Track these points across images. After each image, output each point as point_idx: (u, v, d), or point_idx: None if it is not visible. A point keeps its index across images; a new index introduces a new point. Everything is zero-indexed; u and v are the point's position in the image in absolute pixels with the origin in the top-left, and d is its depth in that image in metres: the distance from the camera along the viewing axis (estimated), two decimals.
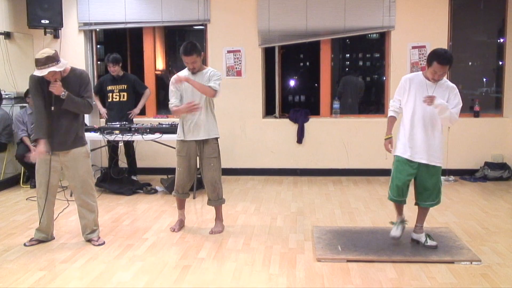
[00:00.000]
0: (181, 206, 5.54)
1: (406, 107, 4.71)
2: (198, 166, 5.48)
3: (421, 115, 4.60)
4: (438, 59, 4.44)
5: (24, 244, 4.95)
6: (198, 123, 5.18)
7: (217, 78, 5.15)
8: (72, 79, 4.78)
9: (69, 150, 4.83)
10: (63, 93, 4.63)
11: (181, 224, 5.51)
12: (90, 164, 5.05)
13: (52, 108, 4.73)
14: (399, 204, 4.84)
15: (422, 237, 4.78)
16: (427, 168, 4.64)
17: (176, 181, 5.38)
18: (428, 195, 4.72)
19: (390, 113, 4.88)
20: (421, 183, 4.70)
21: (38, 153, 4.70)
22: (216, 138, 5.30)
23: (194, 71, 5.17)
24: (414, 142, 4.63)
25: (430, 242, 4.71)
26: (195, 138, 5.21)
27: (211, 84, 5.08)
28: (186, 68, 5.23)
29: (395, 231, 4.82)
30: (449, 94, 4.58)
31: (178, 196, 5.45)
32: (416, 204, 4.84)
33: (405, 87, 4.70)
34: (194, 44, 5.10)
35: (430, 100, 4.43)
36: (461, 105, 4.60)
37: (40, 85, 4.73)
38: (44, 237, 5.03)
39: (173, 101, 5.21)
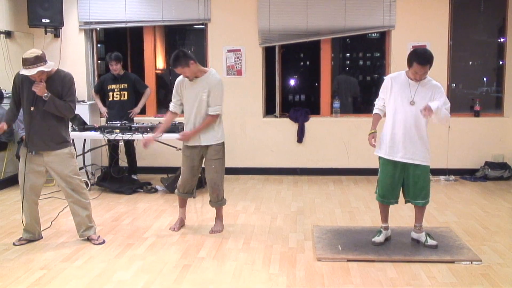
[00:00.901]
0: (182, 204, 5.54)
1: (389, 106, 4.72)
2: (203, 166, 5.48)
3: (403, 115, 4.61)
4: (417, 60, 4.44)
5: (13, 244, 4.95)
6: (196, 125, 5.17)
7: (218, 94, 5.09)
8: (56, 80, 4.76)
9: (51, 151, 4.80)
10: (45, 94, 4.61)
11: (181, 223, 5.51)
12: (76, 164, 5.00)
13: (32, 108, 4.71)
14: (385, 205, 4.86)
15: (422, 237, 4.78)
16: (412, 167, 4.64)
17: (179, 179, 5.39)
18: (416, 194, 4.71)
19: (374, 111, 4.90)
20: (408, 182, 4.71)
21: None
22: (221, 143, 5.27)
23: (190, 79, 5.10)
24: (396, 142, 4.65)
25: (430, 242, 4.71)
26: (196, 144, 5.21)
27: (210, 112, 5.09)
28: None
29: (377, 237, 4.85)
30: (433, 94, 4.56)
31: (179, 195, 5.45)
32: (406, 202, 4.85)
33: (388, 87, 4.71)
34: (178, 55, 4.97)
35: (428, 111, 4.39)
36: (449, 104, 4.61)
37: (23, 84, 4.74)
38: (31, 236, 5.03)
39: (172, 104, 5.30)
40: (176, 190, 5.47)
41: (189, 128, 5.19)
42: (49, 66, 4.61)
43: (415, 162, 4.62)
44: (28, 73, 4.49)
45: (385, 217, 4.91)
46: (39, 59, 4.51)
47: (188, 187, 5.39)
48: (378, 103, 4.88)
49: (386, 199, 4.80)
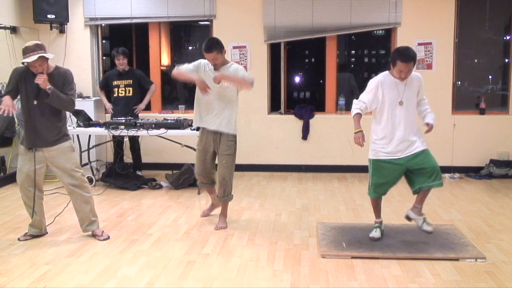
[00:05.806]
0: (209, 192, 5.69)
1: (383, 111, 4.67)
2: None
3: (394, 116, 4.63)
4: (401, 58, 4.46)
5: (18, 239, 4.97)
6: (212, 110, 5.25)
7: (244, 71, 5.27)
8: (56, 76, 4.76)
9: (52, 146, 4.80)
10: (48, 87, 4.59)
11: (211, 208, 5.77)
12: (77, 157, 5.05)
13: (35, 102, 4.69)
14: (378, 200, 4.89)
15: (419, 220, 4.68)
16: (416, 156, 4.61)
17: (195, 170, 5.61)
18: (429, 175, 4.57)
19: (355, 111, 4.74)
20: (417, 169, 4.61)
21: (6, 105, 4.56)
22: (233, 135, 5.30)
23: (216, 67, 5.19)
24: (396, 143, 4.63)
25: (425, 227, 4.63)
26: (207, 126, 5.28)
27: (246, 77, 5.18)
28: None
29: (374, 233, 4.87)
30: (418, 88, 4.68)
31: (200, 185, 5.74)
32: (416, 190, 4.68)
33: (376, 92, 4.66)
34: (215, 41, 5.12)
35: (431, 129, 4.66)
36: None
37: (24, 79, 4.71)
38: (37, 232, 5.05)
39: (184, 66, 5.23)
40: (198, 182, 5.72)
41: (206, 115, 5.27)
42: (50, 55, 4.63)
43: (415, 151, 4.61)
44: (29, 60, 4.48)
45: (378, 212, 4.95)
46: (39, 47, 4.54)
47: (205, 179, 5.51)
48: (360, 105, 4.74)
49: (381, 194, 4.85)
